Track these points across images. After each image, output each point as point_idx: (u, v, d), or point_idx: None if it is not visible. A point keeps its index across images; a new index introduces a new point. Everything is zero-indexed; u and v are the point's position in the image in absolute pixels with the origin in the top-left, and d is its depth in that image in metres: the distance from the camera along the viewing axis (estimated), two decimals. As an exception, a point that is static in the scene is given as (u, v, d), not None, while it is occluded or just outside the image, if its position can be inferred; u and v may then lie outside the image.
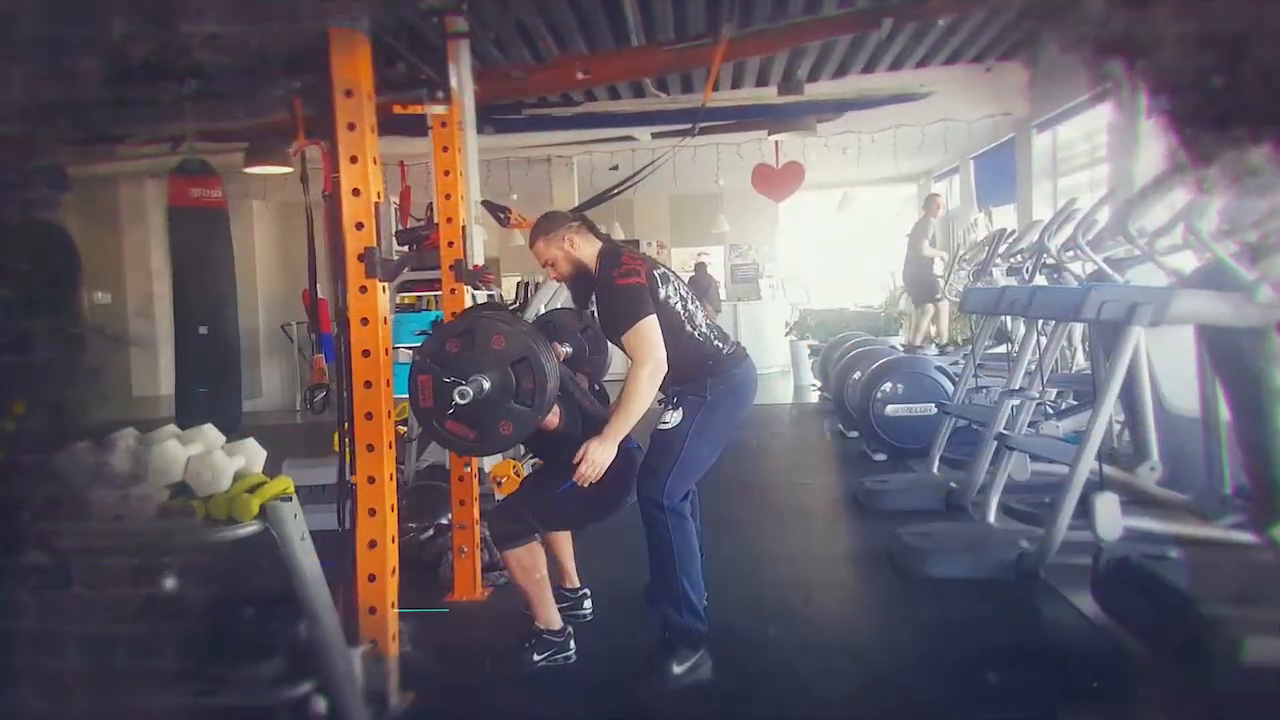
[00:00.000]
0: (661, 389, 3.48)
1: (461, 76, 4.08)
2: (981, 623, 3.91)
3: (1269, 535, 3.79)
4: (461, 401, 2.74)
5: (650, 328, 3.24)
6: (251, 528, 2.43)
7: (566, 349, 3.51)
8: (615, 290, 3.31)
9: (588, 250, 3.50)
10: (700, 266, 13.89)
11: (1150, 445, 4.43)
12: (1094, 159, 8.78)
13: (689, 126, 7.94)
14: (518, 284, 5.14)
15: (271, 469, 2.72)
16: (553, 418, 3.33)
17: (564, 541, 3.98)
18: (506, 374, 2.86)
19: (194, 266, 6.26)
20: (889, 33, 7.25)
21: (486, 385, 2.81)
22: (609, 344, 3.70)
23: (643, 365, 3.22)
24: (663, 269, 3.45)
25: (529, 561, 3.53)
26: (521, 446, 4.98)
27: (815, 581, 4.54)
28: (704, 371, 3.38)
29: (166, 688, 2.34)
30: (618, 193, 4.18)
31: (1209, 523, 4.05)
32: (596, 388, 3.89)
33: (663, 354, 3.24)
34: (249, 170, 8.72)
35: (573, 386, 3.53)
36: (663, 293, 3.33)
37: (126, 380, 9.51)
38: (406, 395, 2.94)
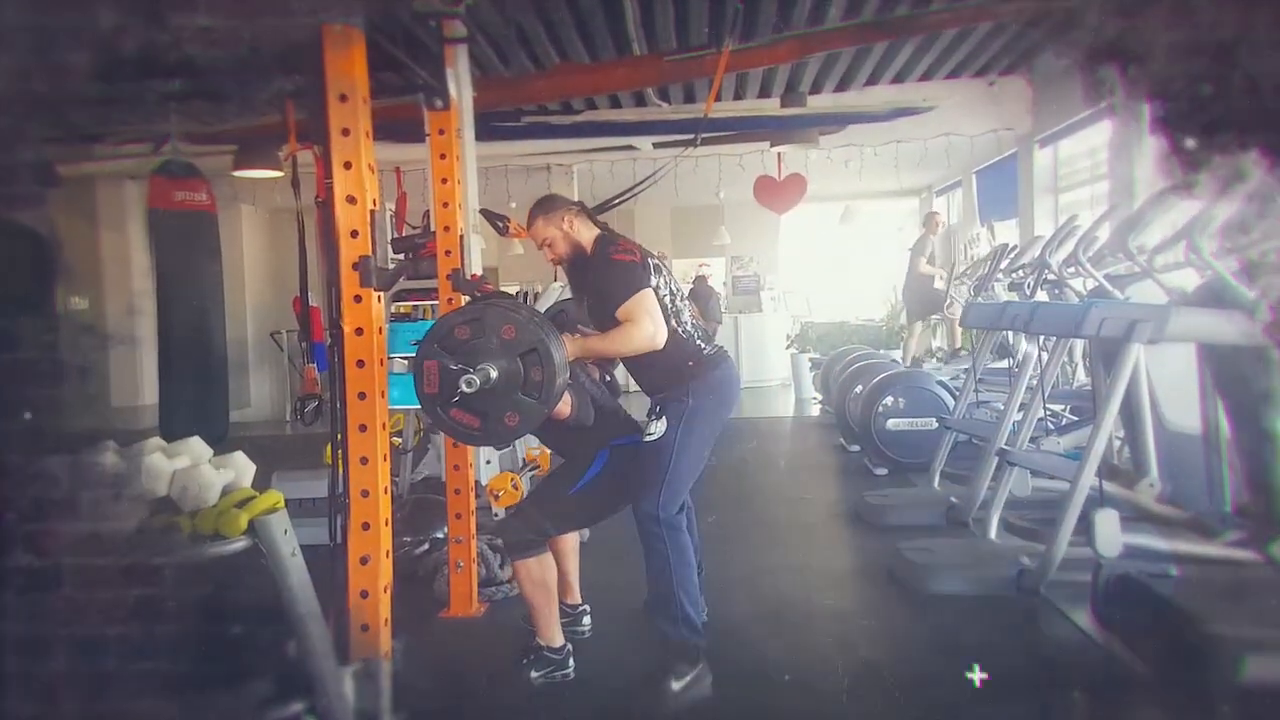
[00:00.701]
0: (644, 390, 3.45)
1: (460, 82, 4.05)
2: (981, 638, 3.88)
3: (1269, 553, 3.78)
4: (468, 390, 2.67)
5: (650, 298, 3.21)
6: (240, 544, 2.39)
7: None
8: (611, 265, 3.30)
9: (586, 234, 3.49)
10: (700, 279, 13.84)
11: (1149, 462, 4.40)
12: (1095, 175, 8.76)
13: (691, 137, 7.93)
14: (516, 293, 5.11)
15: (261, 482, 2.68)
16: (564, 407, 3.29)
17: (571, 555, 3.93)
18: (515, 364, 2.79)
19: (178, 271, 6.14)
20: (892, 45, 7.26)
21: (494, 374, 2.73)
22: None
23: (641, 324, 3.17)
24: (656, 260, 3.42)
25: (539, 574, 3.49)
26: (521, 460, 4.97)
27: (816, 596, 4.50)
28: (684, 373, 3.36)
29: (152, 709, 2.30)
30: (619, 203, 4.16)
31: (1209, 540, 4.03)
32: (608, 379, 3.85)
33: (664, 325, 3.21)
34: (238, 174, 8.67)
35: (584, 378, 3.50)
36: (653, 281, 3.29)
37: (105, 389, 9.41)
38: (401, 407, 2.89)
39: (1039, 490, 4.76)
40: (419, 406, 2.98)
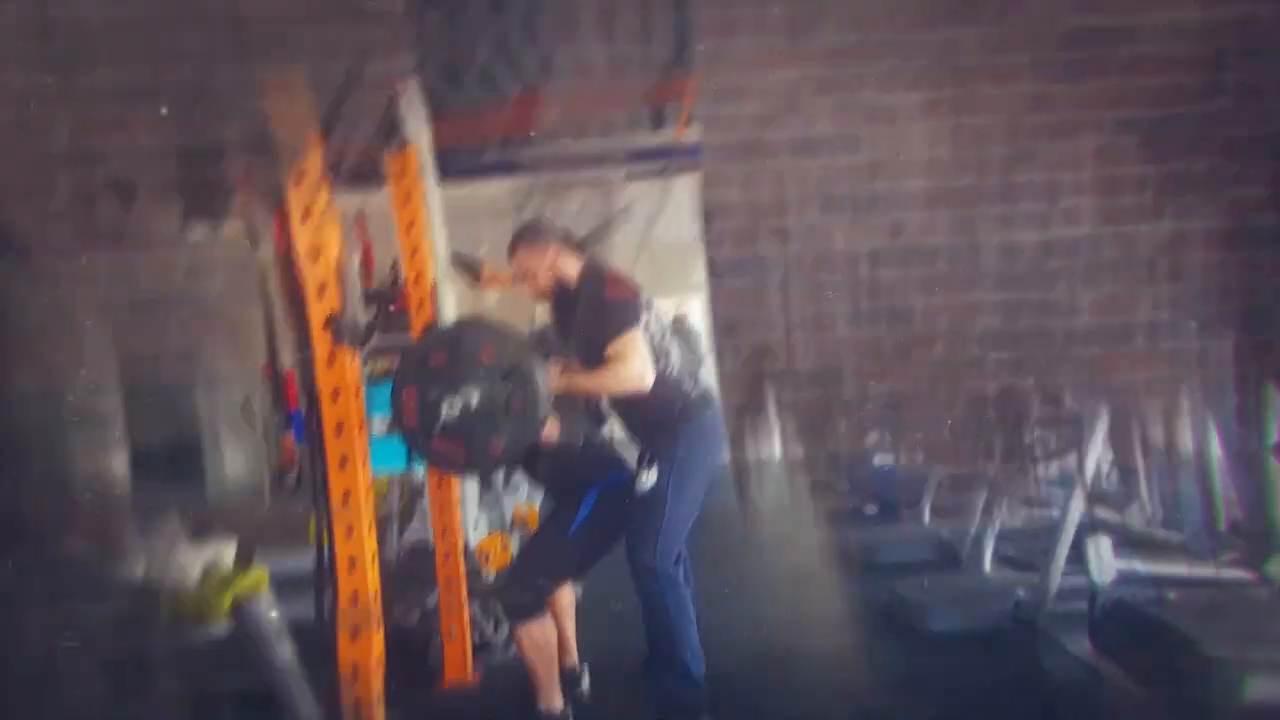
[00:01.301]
0: (631, 435, 3.37)
1: (414, 118, 3.89)
2: (982, 672, 3.82)
3: (1264, 571, 3.78)
4: (449, 414, 2.60)
5: (640, 337, 3.05)
6: (223, 628, 2.30)
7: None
8: (604, 300, 3.13)
9: (572, 266, 3.32)
10: (679, 319, 13.62)
11: (1140, 485, 4.40)
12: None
13: (662, 166, 7.83)
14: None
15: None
16: (551, 430, 3.15)
17: (568, 615, 3.79)
18: (496, 387, 2.70)
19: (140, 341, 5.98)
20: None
21: (475, 399, 2.65)
22: None
23: (630, 363, 3.00)
24: (648, 295, 3.25)
25: (541, 638, 3.36)
26: (509, 519, 4.86)
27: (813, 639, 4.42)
28: (672, 417, 3.22)
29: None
30: (594, 240, 4.05)
31: (1204, 561, 4.03)
32: (594, 406, 3.74)
33: (650, 370, 3.04)
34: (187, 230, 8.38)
35: (567, 403, 3.39)
36: (644, 316, 3.14)
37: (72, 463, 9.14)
38: (385, 470, 2.79)
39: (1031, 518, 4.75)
40: (402, 472, 2.90)
